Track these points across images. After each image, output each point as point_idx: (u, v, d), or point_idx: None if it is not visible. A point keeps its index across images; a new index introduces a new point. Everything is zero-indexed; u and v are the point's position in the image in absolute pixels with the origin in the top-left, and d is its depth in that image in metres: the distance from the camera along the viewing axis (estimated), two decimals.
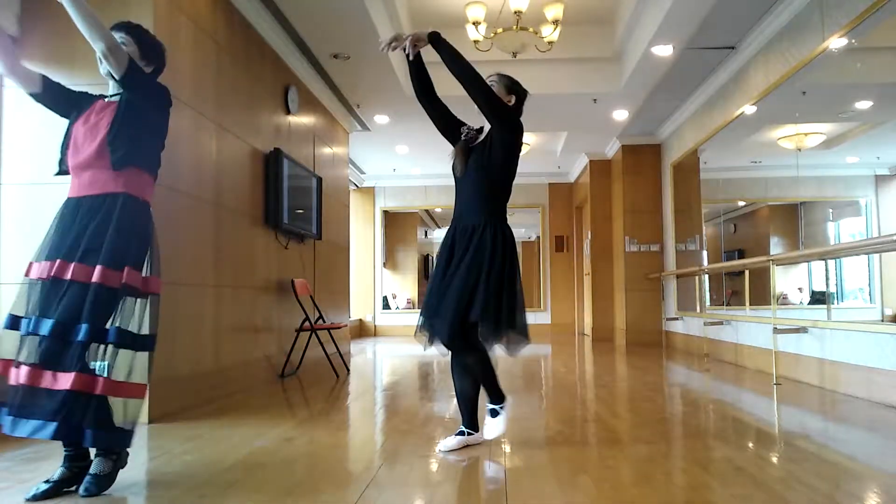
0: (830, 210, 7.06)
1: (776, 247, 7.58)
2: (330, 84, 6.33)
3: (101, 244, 2.08)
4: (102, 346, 2.07)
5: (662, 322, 8.19)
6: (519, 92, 2.80)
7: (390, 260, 12.05)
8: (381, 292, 11.22)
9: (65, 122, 2.36)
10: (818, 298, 6.11)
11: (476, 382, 2.72)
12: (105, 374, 2.07)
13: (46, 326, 1.99)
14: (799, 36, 4.63)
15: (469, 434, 2.69)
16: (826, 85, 5.05)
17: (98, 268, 2.04)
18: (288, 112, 5.47)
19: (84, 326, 2.00)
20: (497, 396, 2.72)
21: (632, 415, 3.52)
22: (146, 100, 2.27)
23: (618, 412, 3.57)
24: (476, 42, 5.06)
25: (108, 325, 2.07)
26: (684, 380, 5.13)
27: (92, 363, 2.06)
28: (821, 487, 2.09)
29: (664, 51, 5.47)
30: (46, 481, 2.04)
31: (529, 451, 2.65)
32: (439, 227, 15.71)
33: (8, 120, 3.44)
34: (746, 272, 5.63)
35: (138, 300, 2.16)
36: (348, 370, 5.59)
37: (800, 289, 7.16)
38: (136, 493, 2.14)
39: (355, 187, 10.62)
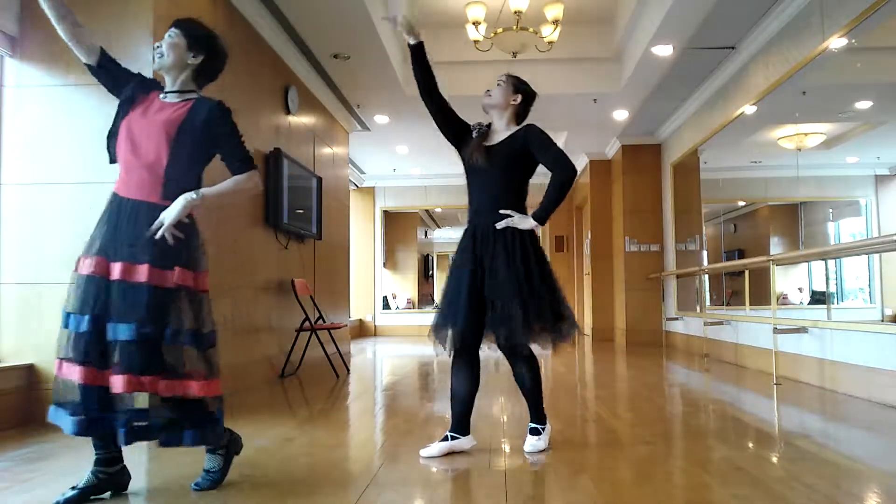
0: (830, 210, 7.06)
1: (776, 247, 7.58)
2: (330, 84, 6.33)
3: (153, 246, 2.04)
4: (180, 348, 2.03)
5: (662, 322, 8.18)
6: (526, 92, 2.79)
7: (390, 260, 12.05)
8: (381, 292, 11.22)
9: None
10: (818, 298, 6.11)
11: (476, 387, 2.67)
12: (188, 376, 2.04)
13: (125, 330, 1.95)
14: (799, 36, 4.63)
15: (454, 439, 2.60)
16: (826, 85, 5.05)
17: (155, 269, 2.02)
18: (288, 112, 5.47)
19: (169, 329, 2.00)
20: (542, 414, 2.70)
21: (632, 415, 3.52)
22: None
23: (618, 412, 3.57)
24: (476, 42, 5.06)
25: (180, 327, 2.03)
26: (684, 380, 5.13)
27: (171, 365, 2.02)
28: (821, 487, 2.09)
29: (664, 51, 5.47)
30: (73, 488, 2.01)
31: (529, 451, 2.65)
32: (439, 227, 15.71)
33: (8, 120, 3.45)
34: (746, 272, 5.63)
35: (195, 299, 2.10)
36: (348, 370, 5.59)
37: (800, 289, 7.17)
38: (136, 493, 2.14)
39: (355, 187, 10.62)
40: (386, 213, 11.29)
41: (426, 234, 14.49)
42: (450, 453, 2.57)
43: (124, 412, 1.94)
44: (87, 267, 2.05)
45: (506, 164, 2.65)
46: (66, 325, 2.01)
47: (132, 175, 2.11)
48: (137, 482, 2.21)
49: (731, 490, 2.08)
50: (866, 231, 6.62)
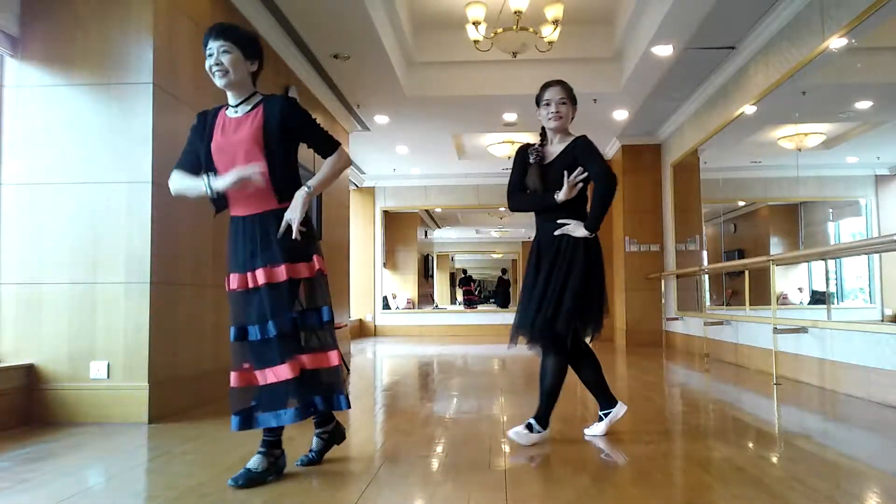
0: (830, 210, 7.06)
1: (776, 247, 7.57)
2: (330, 84, 6.33)
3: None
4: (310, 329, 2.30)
5: (662, 322, 8.19)
6: (575, 98, 2.90)
7: (390, 260, 12.05)
8: (381, 292, 11.22)
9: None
10: (818, 298, 6.11)
11: (561, 382, 2.83)
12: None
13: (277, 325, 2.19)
14: (799, 36, 4.63)
15: (539, 432, 2.76)
16: (826, 85, 5.05)
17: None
18: None
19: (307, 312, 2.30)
20: (546, 418, 2.82)
21: (632, 415, 3.52)
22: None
23: None
24: (476, 42, 5.06)
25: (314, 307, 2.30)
26: (684, 380, 5.13)
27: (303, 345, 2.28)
28: (821, 487, 2.09)
29: (664, 51, 5.47)
30: (247, 469, 2.18)
31: (529, 451, 2.65)
32: (439, 227, 15.72)
33: (8, 120, 3.45)
34: (746, 272, 5.63)
35: (325, 281, 2.35)
36: (348, 370, 5.59)
37: (800, 289, 7.16)
38: (136, 493, 2.14)
39: (355, 187, 10.63)
40: (386, 213, 11.29)
41: (426, 234, 14.49)
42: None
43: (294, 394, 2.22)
44: (232, 283, 2.28)
45: (561, 180, 2.75)
46: (233, 338, 2.26)
47: (243, 194, 2.25)
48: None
49: (732, 490, 2.08)
50: (866, 231, 6.62)
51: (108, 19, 3.44)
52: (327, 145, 2.35)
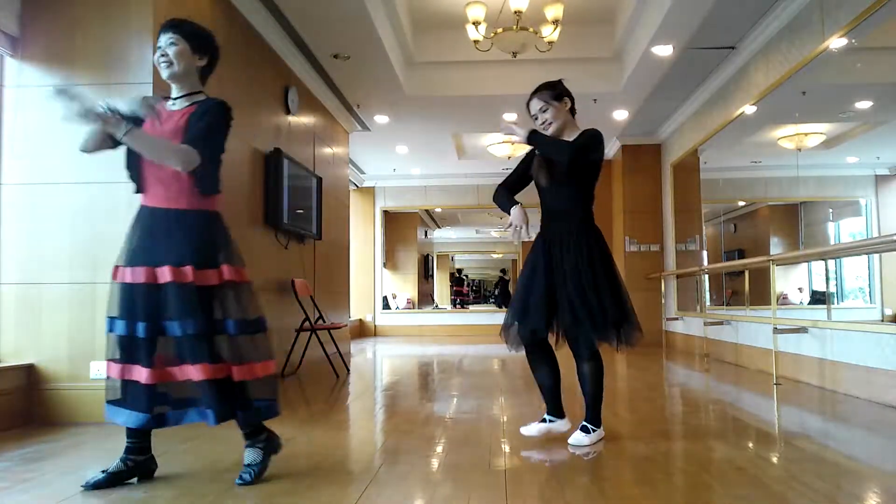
0: (830, 210, 7.06)
1: (776, 247, 7.57)
2: (330, 84, 6.33)
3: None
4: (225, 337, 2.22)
5: (662, 322, 8.19)
6: (565, 90, 2.86)
7: (390, 260, 12.05)
8: (381, 292, 11.21)
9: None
10: (818, 298, 6.10)
11: (558, 374, 2.88)
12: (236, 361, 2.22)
13: (185, 326, 2.13)
14: (799, 36, 4.63)
15: (552, 421, 2.82)
16: (826, 85, 5.05)
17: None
18: (288, 112, 5.47)
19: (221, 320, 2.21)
20: (597, 417, 2.81)
21: (632, 415, 3.52)
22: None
23: (618, 412, 3.57)
24: (476, 42, 5.06)
25: (227, 317, 2.22)
26: (684, 380, 5.13)
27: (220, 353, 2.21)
28: (821, 487, 2.09)
29: (664, 51, 5.47)
30: (104, 471, 2.16)
31: (529, 451, 2.65)
32: (439, 227, 15.72)
33: (8, 120, 3.44)
34: (746, 272, 5.63)
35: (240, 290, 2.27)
36: (348, 370, 5.59)
37: (800, 289, 7.16)
38: (136, 492, 2.14)
39: (355, 187, 10.62)
40: (386, 213, 11.29)
41: (426, 234, 14.49)
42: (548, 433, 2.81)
43: (179, 400, 2.21)
44: (130, 276, 2.16)
45: (565, 174, 2.75)
46: (111, 329, 2.17)
47: (158, 187, 2.20)
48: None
49: (732, 490, 2.08)
50: (866, 231, 6.62)
51: (108, 19, 3.44)
52: (194, 142, 2.15)
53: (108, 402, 2.20)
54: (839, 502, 1.98)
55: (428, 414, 3.56)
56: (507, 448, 2.70)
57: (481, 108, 7.07)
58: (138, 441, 2.24)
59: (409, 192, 11.07)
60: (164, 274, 2.12)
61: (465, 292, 17.49)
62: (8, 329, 3.36)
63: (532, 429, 2.82)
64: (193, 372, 2.12)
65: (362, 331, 10.80)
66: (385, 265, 11.47)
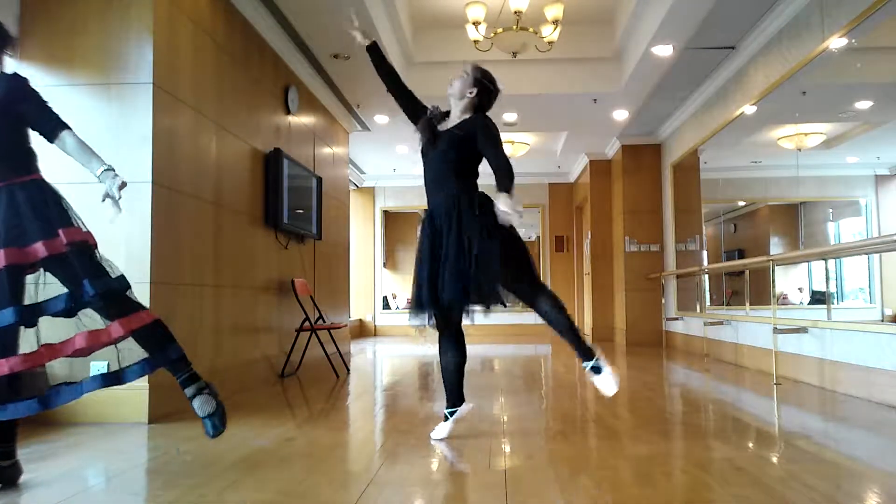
0: (830, 210, 7.06)
1: (776, 247, 7.58)
2: (330, 84, 6.33)
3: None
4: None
5: (662, 322, 8.19)
6: (483, 85, 2.89)
7: (390, 260, 12.05)
8: (381, 292, 11.22)
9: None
10: (818, 298, 6.11)
11: (464, 357, 2.91)
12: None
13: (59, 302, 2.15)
14: (799, 36, 4.63)
15: (452, 413, 2.85)
16: (826, 85, 5.05)
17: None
18: (288, 112, 5.47)
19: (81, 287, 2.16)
20: (587, 351, 2.82)
21: (632, 415, 3.52)
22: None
23: (618, 412, 3.57)
24: (476, 42, 5.06)
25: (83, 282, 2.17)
26: (684, 380, 5.13)
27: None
28: (821, 487, 2.09)
29: (664, 51, 5.47)
30: None
31: (529, 451, 2.65)
32: None
33: None
34: (746, 272, 5.63)
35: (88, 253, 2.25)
36: (348, 370, 5.59)
37: (800, 289, 7.17)
38: (136, 492, 2.14)
39: (355, 187, 10.62)
40: (386, 213, 11.29)
41: None
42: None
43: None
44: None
45: (447, 147, 2.81)
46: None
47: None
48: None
49: (732, 490, 2.08)
50: (866, 231, 6.62)
51: (108, 19, 3.44)
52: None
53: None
54: (839, 502, 1.98)
55: (428, 414, 3.56)
56: (507, 448, 2.70)
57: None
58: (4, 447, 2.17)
59: (409, 192, 11.07)
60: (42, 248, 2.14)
61: None
62: None
63: (442, 431, 2.82)
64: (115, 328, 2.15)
65: (362, 331, 10.80)
66: (385, 265, 11.47)
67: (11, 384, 2.08)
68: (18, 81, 2.23)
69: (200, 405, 2.22)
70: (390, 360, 7.08)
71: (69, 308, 2.16)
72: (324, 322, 5.75)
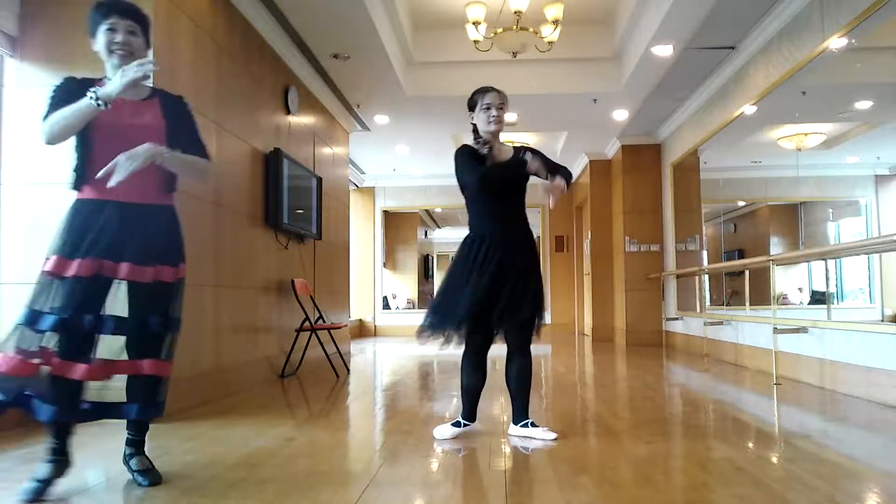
0: (830, 210, 7.06)
1: (776, 247, 7.58)
2: (330, 84, 6.33)
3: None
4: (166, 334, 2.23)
5: (662, 322, 8.19)
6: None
7: (390, 260, 12.05)
8: (381, 292, 11.22)
9: None
10: (818, 298, 6.11)
11: (485, 377, 2.93)
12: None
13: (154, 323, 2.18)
14: (799, 36, 4.63)
15: (465, 425, 2.89)
16: (826, 85, 5.05)
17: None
18: (288, 112, 5.47)
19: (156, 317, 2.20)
20: (525, 411, 2.91)
21: (632, 415, 3.52)
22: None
23: (618, 412, 3.57)
24: (476, 42, 5.06)
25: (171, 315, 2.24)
26: (684, 380, 5.13)
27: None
28: (821, 487, 2.09)
29: (664, 51, 5.47)
30: (38, 481, 2.08)
31: (529, 452, 2.65)
32: (439, 227, 15.71)
33: (8, 120, 3.44)
34: (746, 272, 5.63)
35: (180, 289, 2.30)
36: (348, 370, 5.59)
37: (800, 289, 7.17)
38: (136, 492, 2.14)
39: (355, 187, 10.62)
40: (386, 213, 11.29)
41: (426, 234, 14.48)
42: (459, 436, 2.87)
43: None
44: (85, 269, 2.11)
45: (515, 178, 2.93)
46: (31, 323, 2.14)
47: (125, 182, 2.20)
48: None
49: (732, 490, 2.08)
50: (866, 231, 6.62)
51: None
52: (200, 149, 2.35)
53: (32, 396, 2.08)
54: (839, 502, 1.98)
55: (428, 414, 3.56)
56: (507, 448, 2.70)
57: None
58: (62, 442, 2.18)
59: (409, 192, 11.07)
60: (125, 270, 2.12)
61: None
62: (8, 329, 3.35)
63: (446, 432, 2.86)
64: (145, 367, 2.16)
65: (362, 331, 10.80)
66: (385, 265, 11.47)
67: (78, 390, 2.15)
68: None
69: (138, 462, 2.25)
70: (390, 360, 7.08)
71: (124, 330, 2.18)
72: (324, 322, 5.75)
